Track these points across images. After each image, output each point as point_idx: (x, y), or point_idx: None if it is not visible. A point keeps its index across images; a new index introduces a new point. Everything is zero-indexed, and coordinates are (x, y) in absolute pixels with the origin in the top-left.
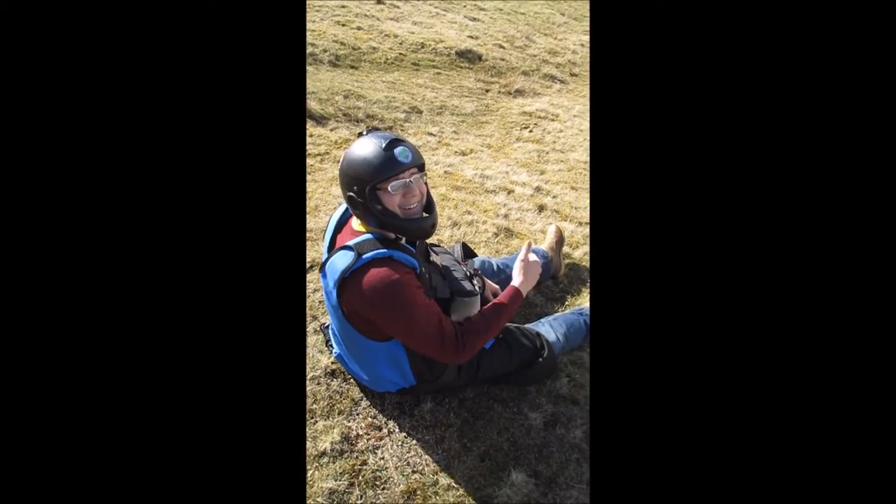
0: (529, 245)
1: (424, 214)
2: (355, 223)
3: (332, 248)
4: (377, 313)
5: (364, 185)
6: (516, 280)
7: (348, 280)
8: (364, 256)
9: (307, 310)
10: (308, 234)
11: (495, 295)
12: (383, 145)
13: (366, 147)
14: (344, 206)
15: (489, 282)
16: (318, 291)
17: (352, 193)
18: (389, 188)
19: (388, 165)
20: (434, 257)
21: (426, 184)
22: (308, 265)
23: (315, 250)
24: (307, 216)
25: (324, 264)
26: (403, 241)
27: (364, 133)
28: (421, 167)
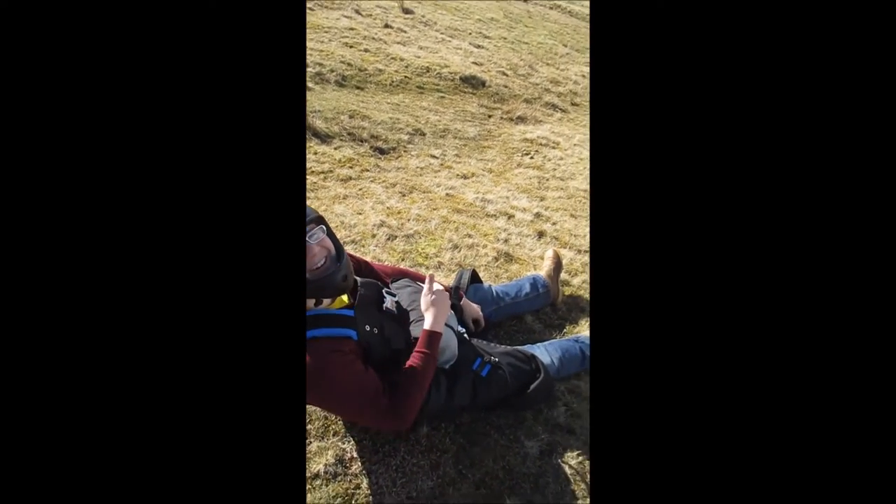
0: (431, 277)
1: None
2: None
3: None
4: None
5: None
6: (427, 322)
7: None
8: None
9: None
10: None
11: (475, 320)
12: None
13: None
14: None
15: (470, 305)
16: None
17: None
18: None
19: None
20: (390, 301)
21: (330, 234)
22: None
23: None
24: None
25: None
26: (332, 303)
27: None
28: (316, 221)
